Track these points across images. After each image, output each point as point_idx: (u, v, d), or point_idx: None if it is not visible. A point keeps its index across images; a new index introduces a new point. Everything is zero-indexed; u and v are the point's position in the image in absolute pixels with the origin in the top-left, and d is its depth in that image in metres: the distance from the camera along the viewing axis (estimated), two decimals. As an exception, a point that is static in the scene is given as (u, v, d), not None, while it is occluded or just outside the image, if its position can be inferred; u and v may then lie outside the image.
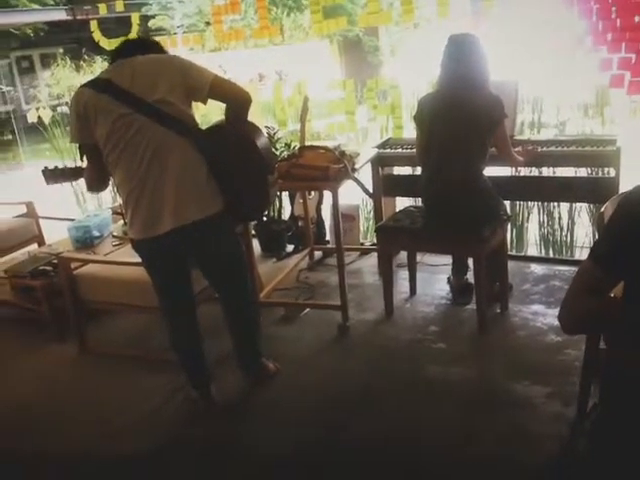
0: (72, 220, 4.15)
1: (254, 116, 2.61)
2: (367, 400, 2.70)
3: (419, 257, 3.71)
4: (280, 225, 4.37)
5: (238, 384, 2.86)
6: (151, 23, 11.27)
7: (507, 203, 3.55)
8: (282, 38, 10.85)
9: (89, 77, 2.44)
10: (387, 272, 3.38)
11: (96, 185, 2.55)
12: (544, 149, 3.40)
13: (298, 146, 3.62)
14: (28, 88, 14.13)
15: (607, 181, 3.46)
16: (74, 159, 5.73)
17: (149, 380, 2.98)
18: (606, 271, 1.39)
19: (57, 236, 4.09)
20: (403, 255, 3.77)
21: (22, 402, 2.94)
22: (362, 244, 4.43)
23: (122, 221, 3.85)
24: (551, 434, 2.32)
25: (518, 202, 4.20)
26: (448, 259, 3.59)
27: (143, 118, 2.24)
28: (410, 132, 3.87)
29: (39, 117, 6.49)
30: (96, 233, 3.77)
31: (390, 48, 11.82)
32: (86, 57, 11.50)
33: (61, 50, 14.31)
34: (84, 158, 2.46)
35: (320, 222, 4.35)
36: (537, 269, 3.76)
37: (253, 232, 4.06)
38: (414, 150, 3.36)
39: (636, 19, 3.15)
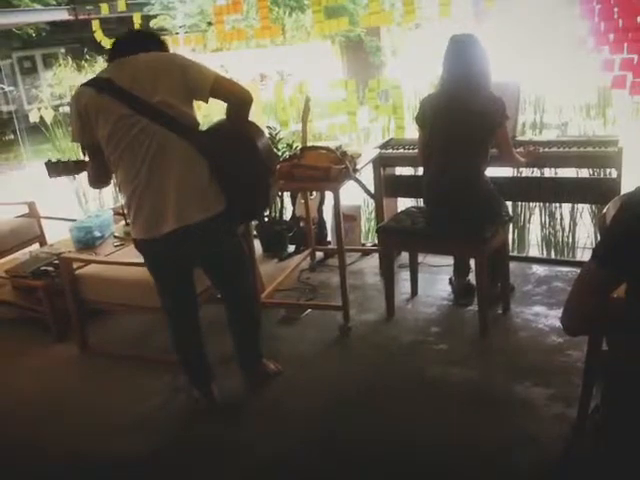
0: (74, 220, 4.16)
1: (256, 116, 2.61)
2: (368, 401, 2.69)
3: (421, 258, 3.71)
4: (281, 226, 4.37)
5: (239, 384, 2.86)
6: (153, 23, 11.26)
7: (509, 204, 3.55)
8: (284, 38, 10.84)
9: (91, 77, 2.42)
10: (388, 273, 3.38)
11: (98, 181, 2.55)
12: (546, 150, 3.39)
13: (300, 146, 3.62)
14: (30, 88, 14.12)
15: (609, 182, 3.45)
16: (76, 156, 5.73)
17: (150, 380, 2.98)
18: (609, 272, 1.38)
19: (59, 236, 4.09)
20: (405, 256, 3.77)
21: (22, 402, 2.94)
22: (363, 245, 4.43)
23: (124, 222, 3.85)
24: (553, 435, 2.32)
25: (520, 203, 4.19)
26: (450, 260, 3.59)
27: (144, 119, 2.23)
28: (412, 133, 3.87)
29: (41, 117, 6.50)
30: (98, 233, 3.76)
31: (392, 48, 11.81)
32: (88, 57, 11.50)
33: (63, 50, 14.30)
34: (86, 154, 2.46)
35: (321, 223, 4.35)
36: (539, 270, 3.76)
37: (255, 232, 4.06)
38: (416, 151, 3.37)
39: (638, 20, 3.14)
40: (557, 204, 4.10)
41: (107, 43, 5.21)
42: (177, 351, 2.70)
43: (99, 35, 5.33)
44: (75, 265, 3.28)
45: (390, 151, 3.83)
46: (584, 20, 3.29)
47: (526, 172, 3.87)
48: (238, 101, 2.31)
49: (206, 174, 2.35)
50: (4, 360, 3.35)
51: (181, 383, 2.84)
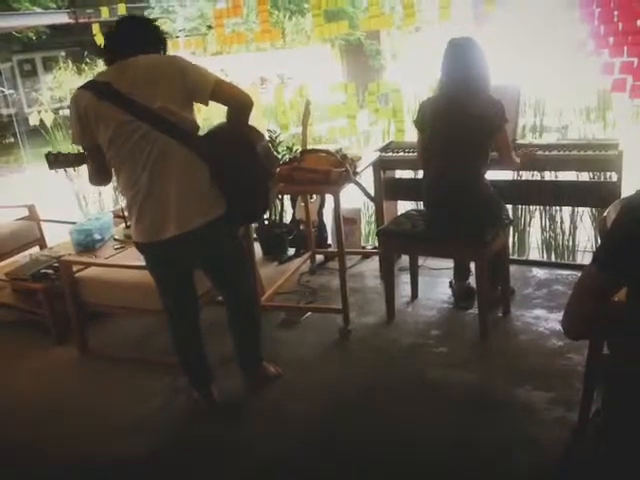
0: (74, 223, 4.16)
1: (256, 119, 2.61)
2: (368, 403, 2.69)
3: (421, 261, 3.70)
4: (281, 229, 4.37)
5: (239, 385, 2.86)
6: (153, 26, 11.27)
7: (509, 207, 3.55)
8: (284, 42, 10.86)
9: (89, 79, 2.41)
10: (389, 276, 3.38)
11: (99, 180, 2.55)
12: (546, 153, 3.40)
13: (300, 149, 3.62)
14: (30, 91, 14.13)
15: (609, 185, 3.45)
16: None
17: (150, 382, 2.98)
18: (609, 276, 1.38)
19: (59, 239, 4.09)
20: (405, 259, 3.77)
21: (22, 404, 2.94)
22: (364, 248, 4.43)
23: (123, 224, 3.86)
24: (553, 438, 2.32)
25: (520, 206, 4.19)
26: (450, 263, 3.59)
27: (145, 126, 2.23)
28: (412, 136, 3.86)
29: (41, 120, 6.51)
30: (97, 236, 3.76)
31: (392, 52, 11.82)
32: (88, 60, 11.50)
33: (63, 53, 14.32)
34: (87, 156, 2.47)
35: (321, 226, 4.35)
36: (539, 273, 3.75)
37: (255, 235, 4.06)
38: (416, 154, 3.36)
39: (638, 23, 3.15)
40: (557, 207, 4.10)
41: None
42: (177, 352, 2.70)
43: (99, 38, 5.33)
44: (75, 268, 3.28)
45: (390, 154, 3.84)
46: (584, 23, 3.30)
47: (526, 175, 3.87)
48: (239, 105, 2.31)
49: (206, 179, 2.35)
50: (4, 362, 3.35)
51: (181, 384, 2.83)
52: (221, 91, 2.28)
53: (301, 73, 9.41)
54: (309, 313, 3.50)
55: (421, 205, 3.66)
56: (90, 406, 2.87)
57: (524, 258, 4.15)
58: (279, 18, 10.62)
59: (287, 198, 4.42)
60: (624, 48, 3.16)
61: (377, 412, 2.63)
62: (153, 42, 2.41)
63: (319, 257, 4.21)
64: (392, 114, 4.16)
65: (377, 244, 3.94)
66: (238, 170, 2.39)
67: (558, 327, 2.98)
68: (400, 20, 5.12)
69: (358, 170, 3.29)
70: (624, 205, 1.42)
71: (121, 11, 5.25)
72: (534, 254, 4.25)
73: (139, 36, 2.39)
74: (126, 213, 2.58)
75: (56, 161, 2.80)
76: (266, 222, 4.38)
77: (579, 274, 1.48)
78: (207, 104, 2.33)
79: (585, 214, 4.10)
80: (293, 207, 4.40)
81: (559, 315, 1.41)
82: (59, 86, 11.49)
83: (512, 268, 3.42)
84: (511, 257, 3.57)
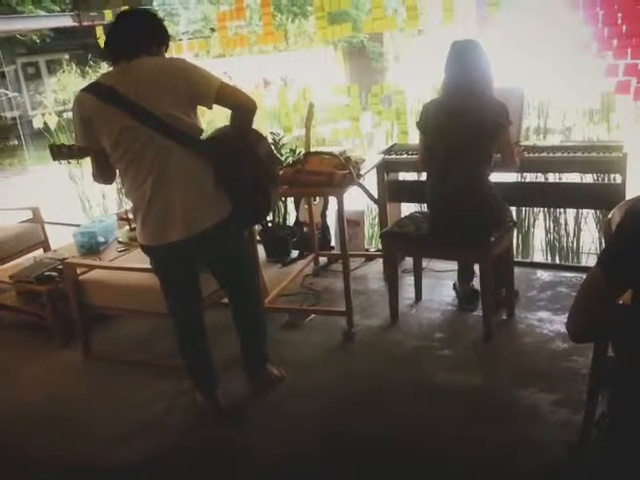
0: (78, 226, 4.17)
1: (259, 122, 2.61)
2: (372, 406, 2.69)
3: (425, 263, 3.70)
4: (285, 231, 4.37)
5: (244, 388, 2.86)
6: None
7: (513, 209, 3.54)
8: (287, 44, 10.87)
9: (92, 81, 2.41)
10: (392, 278, 3.37)
11: (102, 180, 2.55)
12: (550, 155, 3.39)
13: (303, 152, 3.62)
14: (34, 94, 14.19)
15: (613, 187, 3.45)
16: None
17: (153, 385, 2.98)
18: (614, 279, 1.38)
19: (62, 242, 4.10)
20: (408, 261, 3.76)
21: (26, 407, 2.94)
22: (367, 250, 4.42)
23: (127, 227, 3.86)
24: (558, 441, 2.31)
25: (524, 208, 4.18)
26: (454, 265, 3.58)
27: (149, 130, 2.24)
28: (415, 138, 3.85)
29: (45, 123, 6.53)
30: (101, 239, 3.77)
31: (395, 54, 11.83)
32: (92, 63, 11.54)
33: (67, 56, 14.37)
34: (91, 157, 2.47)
35: (325, 228, 4.35)
36: (543, 275, 3.75)
37: (258, 238, 4.06)
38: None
39: (642, 25, 3.14)
40: (561, 209, 4.10)
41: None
42: (182, 354, 2.70)
43: (103, 41, 5.34)
44: (79, 270, 3.28)
45: (393, 156, 3.84)
46: (588, 25, 3.29)
47: (530, 177, 3.86)
48: (242, 109, 2.31)
49: (211, 182, 2.36)
50: (8, 365, 3.35)
51: (186, 387, 2.83)
52: (225, 95, 2.28)
53: (304, 75, 9.42)
54: (313, 315, 3.50)
55: (425, 207, 3.66)
56: (94, 409, 2.87)
57: (528, 260, 4.15)
58: (282, 21, 10.65)
59: (290, 200, 4.42)
60: (628, 50, 3.15)
61: (381, 414, 2.62)
62: (155, 36, 2.39)
63: (322, 259, 4.21)
64: (395, 116, 4.16)
65: (381, 246, 3.94)
66: (240, 173, 2.39)
67: (562, 329, 2.98)
68: (403, 22, 5.12)
69: (361, 172, 3.29)
70: (629, 207, 1.41)
71: (125, 14, 5.24)
72: (538, 256, 4.25)
73: (140, 30, 2.36)
74: (132, 216, 2.58)
75: (60, 153, 2.80)
76: (269, 224, 4.39)
77: (583, 276, 1.48)
78: (211, 108, 2.33)
79: (589, 216, 4.10)
80: (296, 209, 4.41)
81: (563, 317, 1.40)
82: (63, 89, 11.54)
83: (516, 270, 3.41)
84: (515, 259, 3.56)
